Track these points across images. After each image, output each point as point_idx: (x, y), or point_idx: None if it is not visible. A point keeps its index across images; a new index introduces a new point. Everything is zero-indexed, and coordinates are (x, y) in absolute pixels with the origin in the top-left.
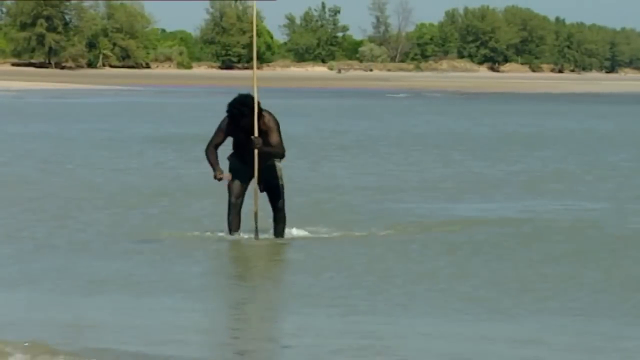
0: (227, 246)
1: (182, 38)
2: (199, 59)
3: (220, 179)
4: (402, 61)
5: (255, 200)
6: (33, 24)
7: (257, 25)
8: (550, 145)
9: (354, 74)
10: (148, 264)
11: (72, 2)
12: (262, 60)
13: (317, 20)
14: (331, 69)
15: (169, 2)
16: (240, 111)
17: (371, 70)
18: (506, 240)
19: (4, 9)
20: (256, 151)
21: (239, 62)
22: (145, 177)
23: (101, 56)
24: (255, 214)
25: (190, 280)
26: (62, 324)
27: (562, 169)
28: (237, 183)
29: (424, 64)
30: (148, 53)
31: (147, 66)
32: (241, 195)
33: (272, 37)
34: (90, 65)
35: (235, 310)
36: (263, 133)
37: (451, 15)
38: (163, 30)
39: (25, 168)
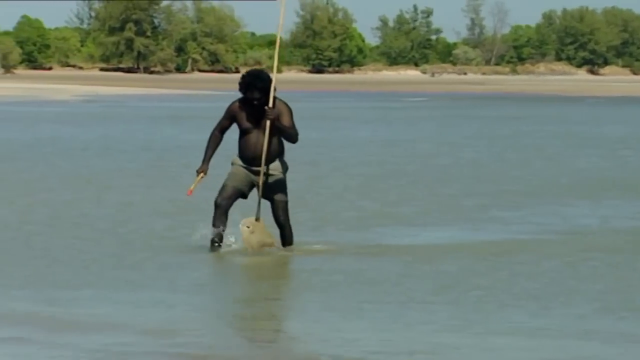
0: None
1: (271, 42)
2: (288, 63)
3: (198, 174)
4: (498, 64)
5: (260, 176)
6: (122, 28)
7: (347, 28)
8: None
9: (447, 78)
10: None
11: (162, 5)
12: (353, 63)
13: (409, 23)
14: (424, 72)
15: (259, 2)
16: (253, 83)
17: (465, 73)
18: None
19: (93, 13)
20: (268, 123)
21: (329, 65)
22: None
23: (190, 60)
24: (259, 185)
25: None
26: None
27: None
28: (232, 185)
29: (520, 67)
30: (237, 57)
31: (237, 70)
32: (231, 198)
33: (363, 40)
34: (179, 69)
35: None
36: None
37: (548, 17)
38: (252, 34)
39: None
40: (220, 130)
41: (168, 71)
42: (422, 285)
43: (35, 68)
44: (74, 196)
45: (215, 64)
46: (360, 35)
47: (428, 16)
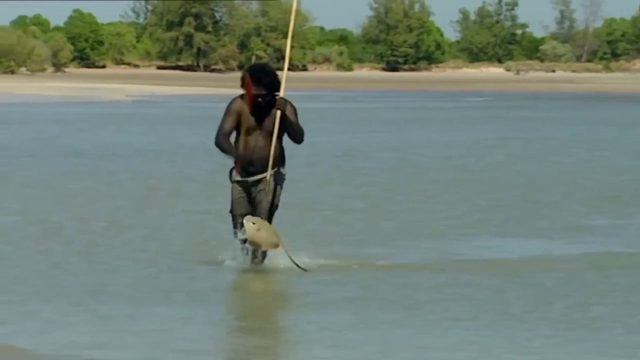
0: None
1: (342, 37)
2: (360, 60)
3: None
4: (589, 61)
5: (268, 173)
6: (180, 23)
7: (425, 22)
8: None
9: (534, 76)
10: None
11: None
12: (431, 60)
13: (492, 16)
14: (508, 70)
15: None
16: (258, 77)
17: (554, 71)
18: None
19: (149, 7)
20: (278, 113)
21: (405, 63)
22: None
23: (254, 57)
24: (267, 181)
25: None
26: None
27: None
28: (240, 214)
29: (614, 63)
30: (305, 54)
31: (304, 68)
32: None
33: (442, 35)
34: (242, 67)
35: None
36: (274, 117)
37: None
38: (322, 29)
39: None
40: (228, 132)
41: (230, 69)
42: (517, 301)
43: (87, 66)
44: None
45: (280, 61)
46: (438, 29)
47: (513, 8)
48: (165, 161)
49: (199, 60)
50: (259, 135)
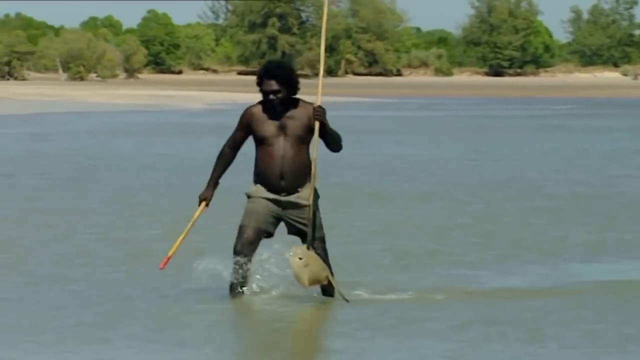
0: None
1: (440, 38)
2: (460, 64)
3: (205, 205)
4: None
5: (311, 189)
6: (264, 24)
7: (532, 21)
8: None
9: None
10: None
11: None
12: (538, 64)
13: (608, 15)
14: (625, 75)
15: None
16: (271, 71)
17: None
18: None
19: (230, 7)
20: (317, 124)
21: (510, 66)
22: None
23: (343, 62)
24: (309, 206)
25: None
26: None
27: None
28: (252, 226)
29: None
30: (399, 57)
31: (398, 73)
32: (254, 242)
33: (551, 36)
34: (330, 72)
35: None
36: (302, 124)
37: None
38: (418, 30)
39: None
40: (233, 145)
41: (318, 74)
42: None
43: (162, 71)
44: None
45: (372, 65)
46: (547, 30)
47: (631, 7)
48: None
49: None
50: (285, 142)
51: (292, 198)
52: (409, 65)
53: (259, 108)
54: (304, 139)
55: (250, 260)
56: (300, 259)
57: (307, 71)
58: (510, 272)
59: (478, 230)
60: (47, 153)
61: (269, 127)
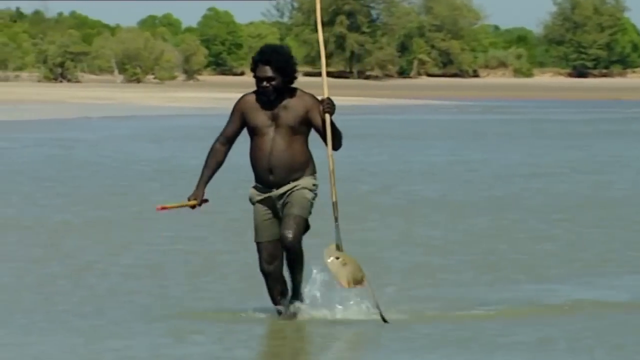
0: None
1: (520, 37)
2: (542, 64)
3: (192, 206)
4: None
5: (332, 187)
6: (331, 23)
7: (619, 19)
8: None
9: None
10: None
11: None
12: (626, 64)
13: None
14: None
15: None
16: (266, 56)
17: None
18: None
19: (295, 4)
20: (328, 118)
21: (595, 67)
22: None
23: (416, 62)
24: (334, 204)
25: None
26: None
27: None
28: (266, 241)
29: None
30: (476, 57)
31: (475, 74)
32: (277, 256)
33: (639, 34)
34: (402, 73)
35: None
36: (297, 115)
37: None
38: (496, 28)
39: None
40: (225, 139)
41: (388, 75)
42: None
43: (223, 73)
44: None
45: (447, 66)
46: (634, 27)
47: None
48: None
49: (352, 66)
50: (275, 134)
51: (283, 189)
52: (486, 66)
53: (253, 97)
54: (296, 130)
55: (282, 271)
56: (337, 258)
57: (377, 72)
58: (597, 285)
59: (563, 242)
60: (104, 158)
61: (261, 116)
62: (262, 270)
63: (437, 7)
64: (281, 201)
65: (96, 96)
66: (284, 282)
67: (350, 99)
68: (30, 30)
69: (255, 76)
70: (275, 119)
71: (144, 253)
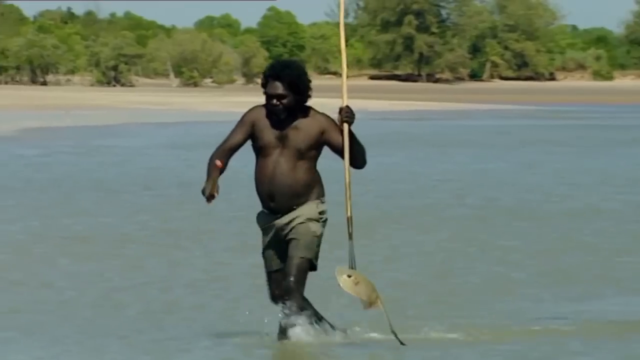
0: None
1: (599, 38)
2: (623, 66)
3: (208, 197)
4: None
5: (348, 201)
6: (399, 23)
7: None
8: None
9: None
10: None
11: None
12: None
13: None
14: None
15: None
16: (277, 72)
17: None
18: None
19: (360, 4)
20: (346, 127)
21: None
22: None
23: (488, 64)
24: (349, 220)
25: None
26: None
27: None
28: (275, 270)
29: None
30: (552, 59)
31: (551, 77)
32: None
33: None
34: (474, 76)
35: None
36: (309, 136)
37: None
38: (574, 28)
39: None
40: (224, 153)
41: (459, 79)
42: None
43: None
44: None
45: (522, 68)
46: None
47: None
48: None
49: (421, 68)
50: (279, 156)
51: (286, 218)
52: (564, 68)
53: (264, 111)
54: (304, 154)
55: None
56: (349, 276)
57: (447, 75)
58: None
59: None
60: (165, 166)
61: (268, 135)
62: (273, 300)
63: (511, 6)
64: (284, 232)
65: (151, 101)
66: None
67: (417, 103)
68: (82, 31)
69: (264, 93)
70: (283, 139)
71: (208, 265)
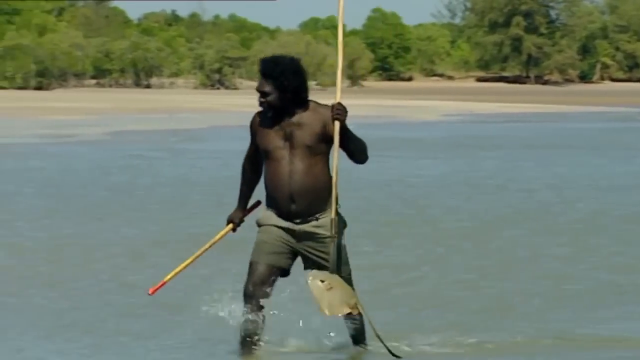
0: None
1: None
2: None
3: (234, 229)
4: None
5: (333, 202)
6: (507, 24)
7: None
8: None
9: None
10: None
11: None
12: None
13: None
14: None
15: None
16: (266, 70)
17: None
18: None
19: (468, 4)
20: (337, 125)
21: None
22: None
23: (598, 65)
24: (332, 221)
25: None
26: None
27: None
28: (264, 263)
29: None
30: None
31: None
32: (267, 282)
33: None
34: (584, 78)
35: None
36: (314, 132)
37: None
38: None
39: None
40: (248, 160)
41: (569, 80)
42: None
43: (390, 78)
44: None
45: (633, 70)
46: None
47: None
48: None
49: (529, 70)
50: (292, 157)
51: (308, 227)
52: None
53: (263, 116)
54: (315, 150)
55: (263, 307)
56: (322, 281)
57: (556, 76)
58: None
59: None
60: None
61: (272, 137)
62: (245, 292)
63: (623, 6)
64: (302, 244)
65: (255, 104)
66: (262, 318)
67: (529, 106)
68: (186, 34)
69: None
70: (289, 139)
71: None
